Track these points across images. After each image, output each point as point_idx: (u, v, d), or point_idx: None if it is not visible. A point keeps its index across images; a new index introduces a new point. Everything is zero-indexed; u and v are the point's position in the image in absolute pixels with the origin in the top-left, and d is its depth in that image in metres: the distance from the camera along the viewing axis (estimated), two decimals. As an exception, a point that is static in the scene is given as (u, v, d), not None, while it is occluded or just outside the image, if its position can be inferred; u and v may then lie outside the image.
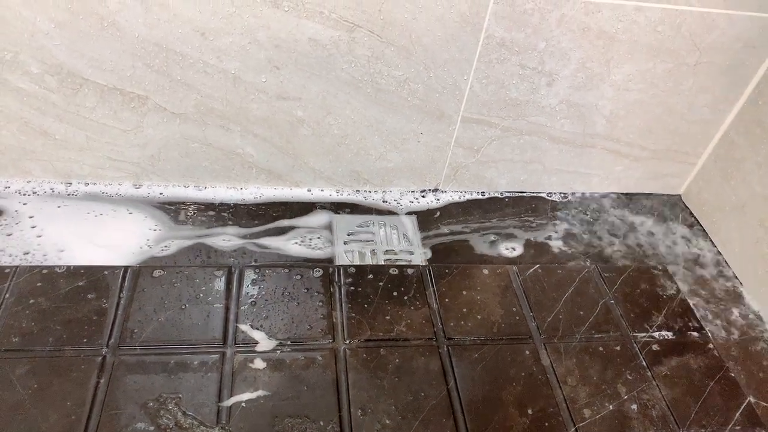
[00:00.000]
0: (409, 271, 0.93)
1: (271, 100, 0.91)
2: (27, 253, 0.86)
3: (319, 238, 0.96)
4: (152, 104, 0.89)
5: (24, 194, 0.95)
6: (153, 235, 0.92)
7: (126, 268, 0.86)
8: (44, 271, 0.84)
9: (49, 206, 0.94)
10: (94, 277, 0.84)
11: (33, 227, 0.90)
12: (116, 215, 0.94)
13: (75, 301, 0.81)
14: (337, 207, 1.03)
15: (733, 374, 0.86)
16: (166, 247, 0.91)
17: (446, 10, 0.84)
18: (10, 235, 0.88)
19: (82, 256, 0.88)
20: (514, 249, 1.00)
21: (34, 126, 0.90)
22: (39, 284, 0.82)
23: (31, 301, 0.80)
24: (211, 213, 0.97)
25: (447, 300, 0.89)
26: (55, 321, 0.78)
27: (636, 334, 0.90)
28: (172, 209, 0.97)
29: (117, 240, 0.91)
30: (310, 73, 0.88)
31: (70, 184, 0.98)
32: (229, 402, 0.73)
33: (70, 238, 0.90)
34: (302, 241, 0.95)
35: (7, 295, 0.80)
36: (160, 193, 0.99)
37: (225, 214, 0.98)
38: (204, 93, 0.89)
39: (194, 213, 0.97)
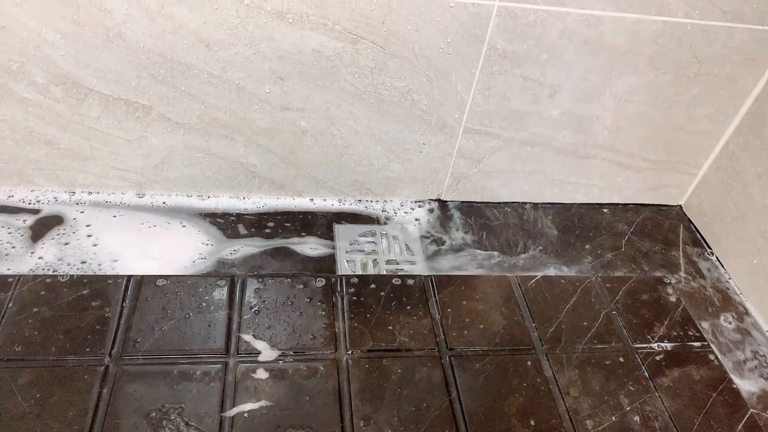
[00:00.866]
0: (411, 281, 0.93)
1: (275, 110, 0.92)
2: (84, 263, 0.87)
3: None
4: (156, 114, 0.90)
5: (82, 202, 0.96)
6: (205, 250, 0.93)
7: (129, 277, 0.86)
8: (48, 280, 0.84)
9: (105, 215, 0.95)
10: (97, 286, 0.84)
11: (89, 236, 0.91)
12: (169, 227, 0.95)
13: (78, 311, 0.81)
14: (339, 217, 1.03)
15: (735, 386, 0.86)
16: (235, 251, 0.92)
17: (449, 23, 0.84)
18: (67, 244, 0.89)
19: (135, 266, 0.88)
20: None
21: (38, 135, 0.90)
22: (42, 293, 0.82)
23: (35, 309, 0.80)
24: (271, 224, 0.98)
25: (449, 310, 0.90)
26: (57, 330, 0.78)
27: (638, 345, 0.90)
28: (222, 222, 0.97)
29: (169, 252, 0.91)
30: (313, 83, 0.89)
31: (74, 193, 0.98)
32: (231, 412, 0.73)
33: (124, 249, 0.91)
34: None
35: (10, 304, 0.80)
36: (163, 203, 0.99)
37: (288, 224, 0.98)
38: (208, 103, 0.89)
39: (251, 226, 0.97)
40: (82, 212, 0.94)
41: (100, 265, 0.87)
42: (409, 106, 0.94)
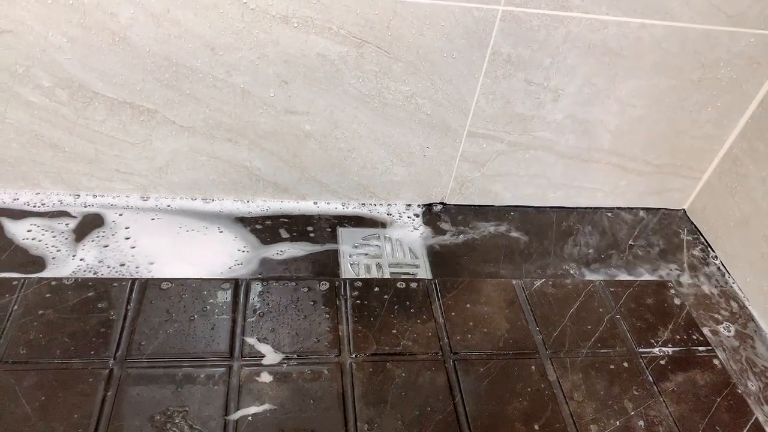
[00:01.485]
0: (415, 284, 0.93)
1: (279, 114, 0.92)
2: (122, 265, 0.88)
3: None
4: (161, 118, 0.90)
5: (122, 206, 0.97)
6: (241, 256, 0.93)
7: (134, 280, 0.86)
8: (53, 283, 0.84)
9: (144, 218, 0.96)
10: (101, 289, 0.84)
11: (127, 238, 0.92)
12: (207, 232, 0.96)
13: (83, 313, 0.81)
14: (343, 220, 1.03)
15: (740, 390, 0.86)
16: (281, 251, 0.94)
17: (453, 27, 0.85)
18: (106, 246, 0.90)
19: (170, 270, 0.89)
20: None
21: (44, 138, 0.90)
22: (48, 295, 0.82)
23: (40, 312, 0.80)
24: (309, 228, 0.98)
25: (453, 314, 0.90)
26: (62, 333, 0.79)
27: (642, 350, 0.89)
28: (260, 228, 0.97)
29: (206, 257, 0.92)
30: (318, 87, 0.89)
31: (78, 196, 0.98)
32: (235, 415, 0.73)
33: (161, 252, 0.91)
34: None
35: (15, 307, 0.81)
36: (168, 206, 1.00)
37: (330, 230, 0.99)
38: (213, 107, 0.90)
39: (292, 230, 0.98)
40: (120, 215, 0.95)
41: (137, 267, 0.89)
42: (413, 110, 0.94)
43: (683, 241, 1.12)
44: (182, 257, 0.91)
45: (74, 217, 0.94)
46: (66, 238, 0.90)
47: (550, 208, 1.14)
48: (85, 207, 0.96)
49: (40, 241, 0.90)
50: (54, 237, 0.89)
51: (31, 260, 0.87)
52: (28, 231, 0.91)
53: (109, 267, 0.88)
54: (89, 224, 0.93)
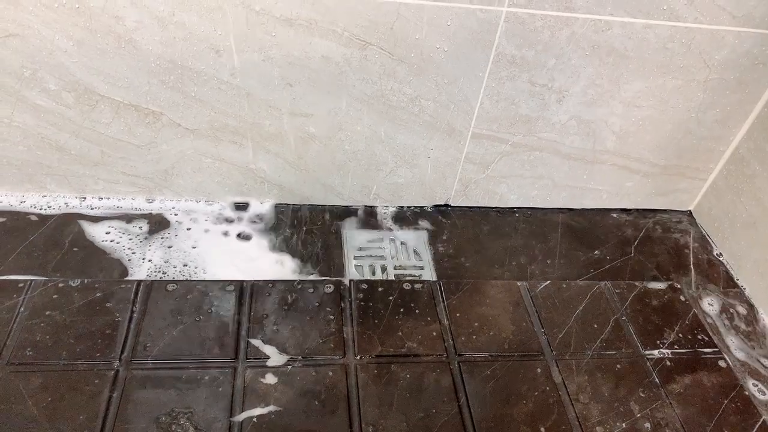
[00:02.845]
0: (420, 286, 0.93)
1: (284, 116, 0.92)
2: (186, 265, 0.91)
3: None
4: (166, 120, 0.91)
5: (178, 208, 1.00)
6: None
7: (139, 282, 0.87)
8: (60, 285, 0.84)
9: (203, 219, 0.99)
10: (107, 291, 0.85)
11: (187, 239, 0.95)
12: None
13: (89, 315, 0.82)
14: (348, 222, 1.03)
15: (747, 392, 0.85)
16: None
17: (457, 28, 0.85)
18: (170, 247, 0.93)
19: (223, 273, 0.91)
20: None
21: (50, 141, 0.91)
22: (54, 297, 0.83)
23: (46, 313, 0.81)
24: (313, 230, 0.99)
25: (458, 315, 0.89)
26: (68, 335, 0.79)
27: (648, 351, 0.89)
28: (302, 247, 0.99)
29: (259, 265, 0.94)
30: (322, 89, 0.89)
31: (84, 198, 0.99)
32: (240, 417, 0.73)
33: (217, 255, 0.94)
34: None
35: (22, 309, 0.81)
36: (172, 207, 1.00)
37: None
38: (217, 109, 0.90)
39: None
40: (175, 215, 0.99)
41: (196, 267, 0.91)
42: (418, 112, 0.94)
43: (689, 243, 1.11)
44: (234, 263, 0.93)
45: (144, 219, 0.97)
46: (141, 241, 0.93)
47: (555, 209, 1.13)
48: (152, 211, 0.99)
49: (117, 243, 0.93)
50: (131, 239, 0.93)
51: (111, 263, 0.90)
52: (107, 233, 0.94)
53: (174, 267, 0.90)
54: (156, 226, 0.97)
